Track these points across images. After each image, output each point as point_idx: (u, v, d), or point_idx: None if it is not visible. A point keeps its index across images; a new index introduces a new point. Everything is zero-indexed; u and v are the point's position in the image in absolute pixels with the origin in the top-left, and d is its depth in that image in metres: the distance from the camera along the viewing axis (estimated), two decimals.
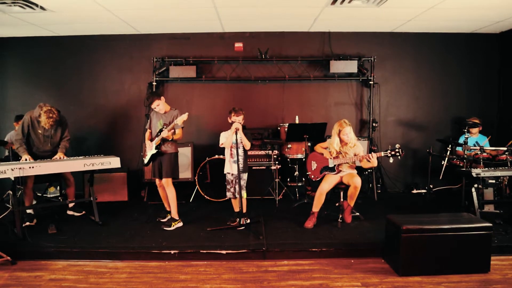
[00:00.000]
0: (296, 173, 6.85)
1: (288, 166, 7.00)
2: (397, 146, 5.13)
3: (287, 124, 6.57)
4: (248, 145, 5.26)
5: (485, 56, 7.50)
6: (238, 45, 7.37)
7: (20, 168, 4.73)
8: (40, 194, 6.83)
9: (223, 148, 5.49)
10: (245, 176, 5.35)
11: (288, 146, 6.72)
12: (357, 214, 5.65)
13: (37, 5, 5.59)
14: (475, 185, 5.27)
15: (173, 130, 5.14)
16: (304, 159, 6.70)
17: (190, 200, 6.75)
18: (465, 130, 6.27)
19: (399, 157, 5.13)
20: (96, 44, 7.50)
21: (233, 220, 5.52)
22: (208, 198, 6.70)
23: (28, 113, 5.57)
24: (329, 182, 5.34)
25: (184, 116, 4.97)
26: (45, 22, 6.55)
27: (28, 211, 5.49)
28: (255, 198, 6.65)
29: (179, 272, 4.21)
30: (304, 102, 7.58)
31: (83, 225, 5.48)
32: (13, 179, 4.85)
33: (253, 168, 6.69)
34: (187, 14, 6.28)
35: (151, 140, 5.38)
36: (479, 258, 4.06)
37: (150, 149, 5.33)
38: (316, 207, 5.35)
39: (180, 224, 5.39)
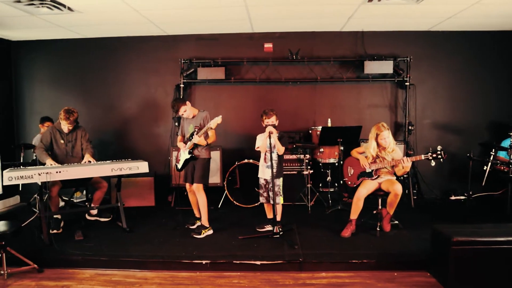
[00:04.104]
0: (329, 178, 6.57)
1: (320, 171, 6.73)
2: (439, 147, 4.84)
3: (320, 127, 6.31)
4: (281, 150, 5.02)
5: None
6: (268, 45, 7.14)
7: (47, 173, 4.59)
8: (66, 199, 6.72)
9: (253, 152, 5.28)
10: (279, 181, 5.10)
11: (320, 150, 6.44)
12: (396, 222, 5.33)
13: (64, 6, 5.47)
14: None
15: (205, 134, 4.94)
16: (336, 164, 6.42)
17: (219, 206, 6.54)
18: (511, 134, 5.89)
19: (441, 159, 4.83)
20: (122, 46, 7.39)
21: (262, 226, 5.32)
22: (237, 204, 6.47)
23: (50, 126, 5.62)
24: (367, 188, 5.05)
25: (218, 119, 4.74)
26: (72, 24, 6.45)
27: (55, 216, 5.36)
28: (286, 204, 6.35)
29: (211, 283, 3.99)
30: (336, 105, 7.29)
31: (110, 232, 5.32)
32: (40, 184, 4.72)
33: (284, 172, 6.39)
34: (216, 14, 6.08)
35: (185, 142, 5.20)
36: None
37: (184, 152, 5.15)
38: (354, 214, 5.06)
39: (211, 231, 5.17)
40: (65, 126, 5.46)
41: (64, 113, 5.39)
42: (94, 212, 5.88)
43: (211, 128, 4.86)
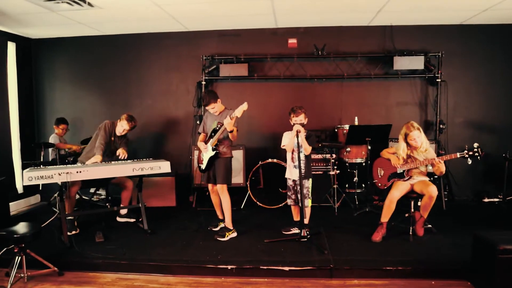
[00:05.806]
0: (356, 178, 6.33)
1: (346, 171, 6.47)
2: (475, 144, 4.56)
3: (347, 125, 6.07)
4: (308, 149, 4.77)
5: None
6: (292, 41, 6.89)
7: (67, 173, 4.45)
8: (87, 198, 6.60)
9: (277, 152, 5.06)
10: (307, 183, 4.85)
11: (347, 149, 6.19)
12: (429, 226, 5.04)
13: (84, 1, 5.33)
14: None
15: (233, 121, 4.68)
16: (363, 164, 6.17)
17: (241, 207, 6.33)
18: None
19: (478, 157, 4.55)
20: (143, 43, 7.24)
21: (287, 229, 5.11)
22: (260, 204, 6.25)
23: (108, 122, 5.55)
24: (400, 190, 4.78)
25: (244, 106, 4.50)
26: (92, 20, 6.32)
27: (69, 217, 5.23)
28: (312, 205, 6.14)
29: None
30: (363, 102, 7.00)
31: (131, 233, 5.16)
32: (60, 184, 4.59)
33: None
34: (240, 9, 5.87)
35: (206, 142, 5.00)
36: None
37: (206, 152, 4.94)
38: (385, 217, 4.79)
39: (234, 234, 4.96)
40: (122, 128, 5.51)
41: (127, 115, 5.54)
42: (124, 211, 5.75)
43: (237, 117, 4.62)
